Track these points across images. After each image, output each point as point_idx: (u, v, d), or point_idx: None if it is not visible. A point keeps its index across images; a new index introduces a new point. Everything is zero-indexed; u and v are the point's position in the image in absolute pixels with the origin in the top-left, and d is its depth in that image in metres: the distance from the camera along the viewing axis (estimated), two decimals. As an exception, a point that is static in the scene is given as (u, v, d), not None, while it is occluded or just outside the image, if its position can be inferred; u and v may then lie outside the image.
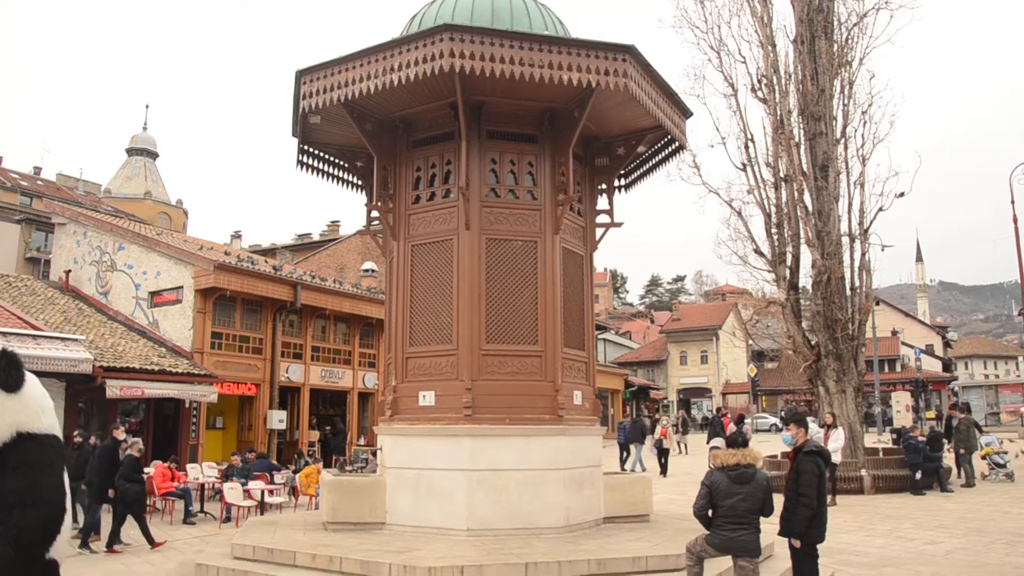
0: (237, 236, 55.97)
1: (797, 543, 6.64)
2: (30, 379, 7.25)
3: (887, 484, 17.57)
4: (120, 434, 13.18)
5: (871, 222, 19.99)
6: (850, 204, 20.08)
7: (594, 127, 9.96)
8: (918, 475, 17.28)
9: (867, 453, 19.15)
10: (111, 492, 12.05)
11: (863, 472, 17.64)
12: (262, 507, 15.31)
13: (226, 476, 16.38)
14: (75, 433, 15.79)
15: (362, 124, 9.45)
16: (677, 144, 10.57)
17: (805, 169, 19.86)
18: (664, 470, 22.41)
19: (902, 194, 19.85)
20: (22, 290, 23.32)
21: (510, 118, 9.51)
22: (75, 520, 13.88)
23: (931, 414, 53.09)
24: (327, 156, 11.09)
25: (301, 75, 9.02)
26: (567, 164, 9.36)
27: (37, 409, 7.29)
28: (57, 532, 6.96)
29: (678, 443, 32.06)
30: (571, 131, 9.21)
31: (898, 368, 61.57)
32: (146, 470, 17.35)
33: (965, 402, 27.37)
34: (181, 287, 22.63)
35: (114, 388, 17.90)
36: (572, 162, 9.40)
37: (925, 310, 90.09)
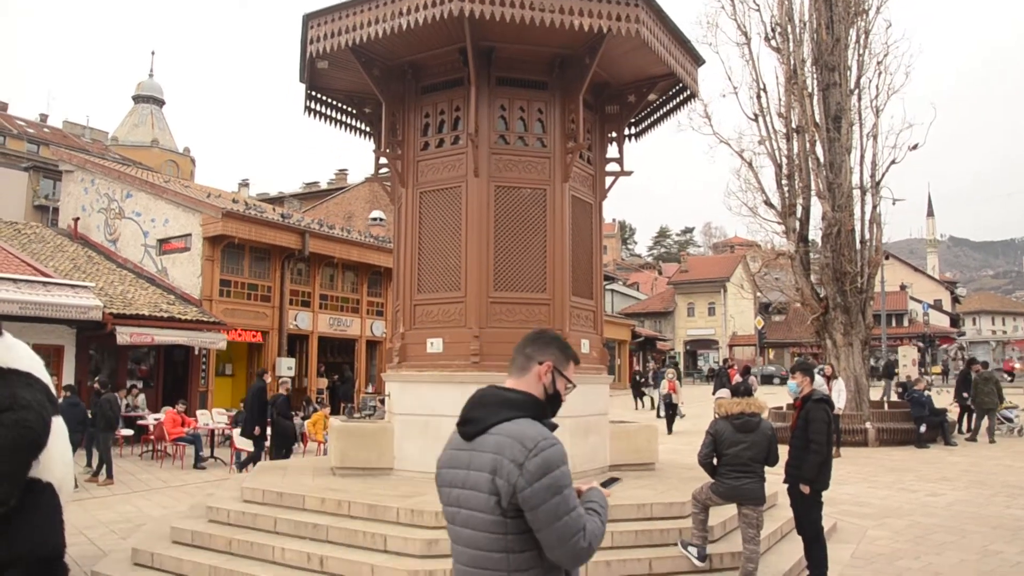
0: (245, 184, 55.90)
1: (807, 489, 6.69)
2: (17, 340, 7.38)
3: (891, 437, 17.67)
4: (267, 377, 15.05)
5: (883, 175, 19.82)
6: (862, 156, 19.88)
7: (605, 74, 9.81)
8: (923, 428, 17.36)
9: (872, 406, 19.22)
10: (256, 429, 13.67)
11: (867, 425, 17.73)
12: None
13: (235, 422, 16.55)
14: (95, 380, 15.97)
15: (370, 70, 9.33)
16: (688, 92, 10.42)
17: (818, 120, 19.62)
18: (670, 427, 21.15)
19: (916, 146, 19.58)
20: (31, 237, 23.38)
21: (520, 64, 9.36)
22: (88, 463, 14.16)
23: (937, 369, 53.23)
24: (335, 102, 10.97)
25: (308, 19, 8.88)
26: (577, 111, 9.24)
27: (20, 355, 7.42)
28: (40, 436, 7.09)
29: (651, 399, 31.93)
30: (581, 78, 9.07)
31: (906, 323, 61.60)
32: (156, 415, 17.60)
33: (985, 361, 27.30)
34: (189, 235, 22.65)
35: (124, 335, 18.03)
36: (582, 109, 9.28)
37: (935, 265, 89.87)
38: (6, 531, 6.83)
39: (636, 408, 32.11)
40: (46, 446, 6.96)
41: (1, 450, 6.67)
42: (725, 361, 30.34)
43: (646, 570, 6.68)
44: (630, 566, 6.66)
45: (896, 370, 21.40)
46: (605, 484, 2.89)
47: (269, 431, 13.66)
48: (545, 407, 2.66)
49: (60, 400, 7.83)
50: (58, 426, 7.38)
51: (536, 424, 2.52)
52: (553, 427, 2.60)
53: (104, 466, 13.35)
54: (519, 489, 2.38)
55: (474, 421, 2.59)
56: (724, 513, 7.40)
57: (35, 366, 7.42)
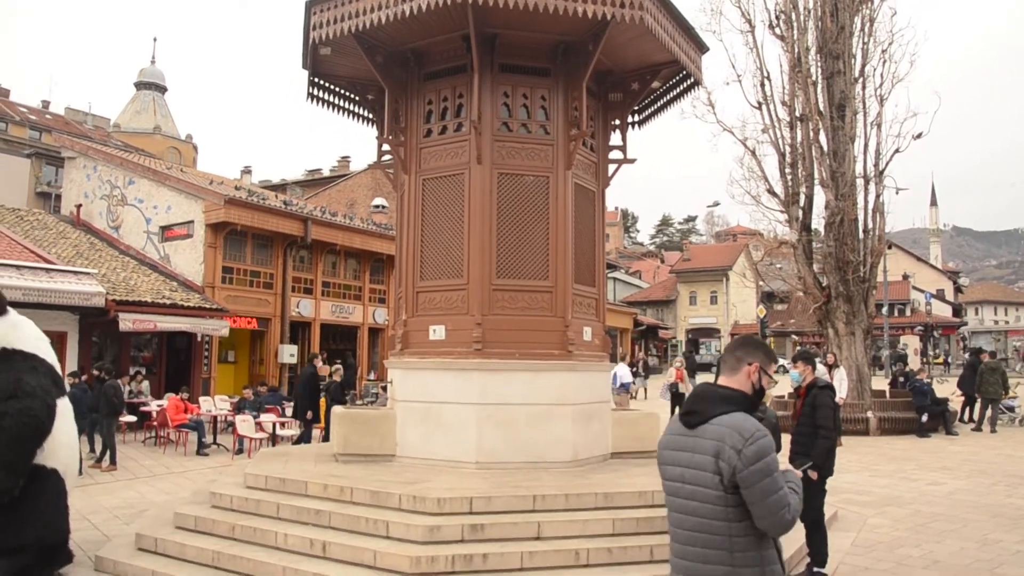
0: (247, 171, 55.82)
1: (814, 475, 6.69)
2: (22, 318, 7.38)
3: (893, 426, 17.70)
4: (319, 363, 15.61)
5: (887, 163, 19.80)
6: (866, 145, 19.85)
7: (608, 61, 9.77)
8: (924, 418, 17.38)
9: (873, 395, 19.24)
10: (309, 413, 14.26)
11: (869, 414, 17.75)
12: (273, 439, 15.56)
13: (238, 409, 16.62)
14: (93, 367, 16.01)
15: (373, 56, 9.30)
16: (692, 80, 10.38)
17: (821, 108, 19.57)
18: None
19: (919, 135, 19.52)
20: (34, 224, 23.38)
21: (523, 51, 9.33)
22: (92, 450, 14.22)
23: (939, 358, 53.24)
24: (338, 89, 10.94)
25: (311, 5, 8.84)
26: (580, 98, 9.21)
27: (26, 335, 7.44)
28: (44, 424, 7.11)
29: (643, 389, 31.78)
30: (585, 65, 9.04)
31: (908, 312, 61.52)
32: (159, 402, 17.65)
33: (993, 351, 27.34)
34: (192, 221, 22.64)
35: (127, 321, 18.06)
36: (585, 97, 9.24)
37: (938, 255, 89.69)
38: (13, 518, 6.87)
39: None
40: (51, 432, 6.99)
41: (5, 440, 6.70)
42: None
43: (648, 557, 6.69)
44: (632, 553, 6.68)
45: (907, 359, 21.33)
46: (798, 467, 3.78)
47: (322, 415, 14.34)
48: (754, 401, 3.25)
49: (68, 387, 7.85)
50: (64, 408, 7.39)
51: (750, 418, 3.09)
52: (760, 419, 3.22)
53: (107, 452, 13.41)
54: (738, 471, 2.95)
55: (697, 412, 3.17)
56: (725, 501, 7.41)
57: (41, 346, 7.43)
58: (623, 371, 16.96)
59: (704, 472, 3.05)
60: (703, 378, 24.48)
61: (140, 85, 66.44)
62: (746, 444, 2.96)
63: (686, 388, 18.12)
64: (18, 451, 6.75)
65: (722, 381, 3.29)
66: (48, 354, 7.49)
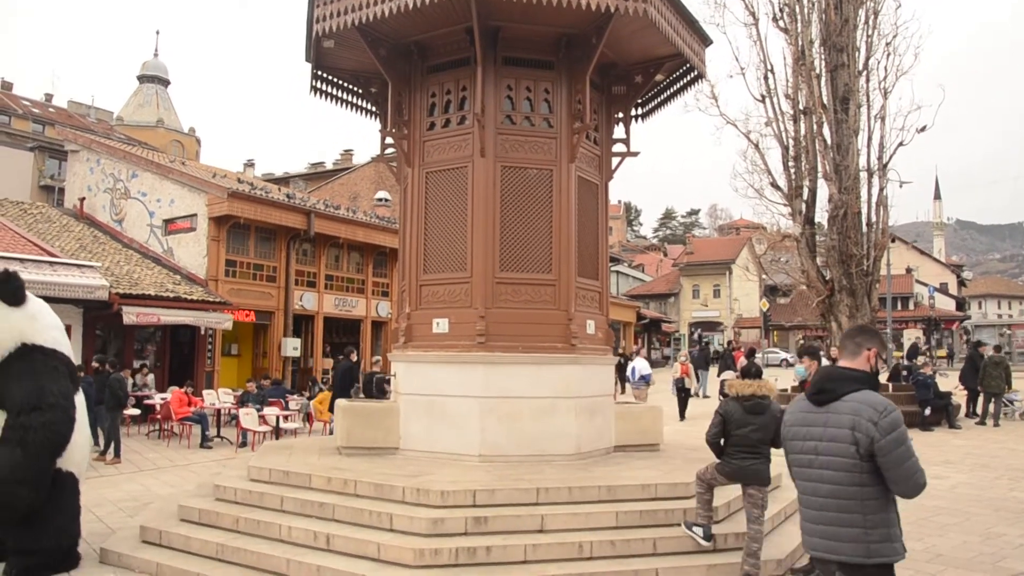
0: (250, 165, 55.86)
1: None
2: (39, 302, 7.35)
3: (895, 419, 17.65)
4: (354, 356, 15.85)
5: (890, 157, 19.78)
6: (870, 138, 19.82)
7: (611, 54, 9.75)
8: (927, 411, 17.36)
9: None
10: None
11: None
12: (277, 432, 15.59)
13: (242, 402, 16.63)
14: (94, 359, 16.03)
15: (376, 49, 9.28)
16: (696, 73, 10.36)
17: (825, 101, 19.53)
18: (682, 413, 19.39)
19: (923, 128, 19.49)
20: (37, 217, 23.40)
21: (527, 44, 9.31)
22: (96, 443, 14.24)
23: (942, 352, 53.17)
24: (341, 82, 10.93)
25: (314, -3, 8.84)
26: (584, 91, 9.19)
27: (44, 325, 7.44)
28: (65, 438, 7.13)
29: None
30: (588, 58, 9.02)
31: (911, 306, 61.46)
32: (163, 395, 17.69)
33: (998, 344, 27.27)
34: (195, 215, 22.65)
35: (130, 315, 18.08)
36: (589, 89, 9.23)
37: (941, 248, 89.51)
38: (34, 522, 6.88)
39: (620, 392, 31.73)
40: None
41: (30, 457, 6.69)
42: (729, 343, 30.37)
43: (651, 550, 6.71)
44: (635, 546, 6.69)
45: (920, 352, 21.09)
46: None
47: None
48: (874, 383, 3.71)
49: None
50: (79, 403, 7.36)
51: (877, 394, 3.58)
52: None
53: (112, 445, 13.44)
54: (875, 441, 3.40)
55: (828, 391, 3.64)
56: (728, 494, 7.42)
57: (60, 338, 7.41)
58: (642, 364, 16.85)
59: (840, 443, 3.50)
60: (715, 371, 24.43)
61: (143, 78, 66.41)
62: (881, 417, 3.43)
63: (692, 383, 17.81)
64: (42, 467, 6.77)
65: (844, 364, 3.74)
66: (64, 344, 7.49)
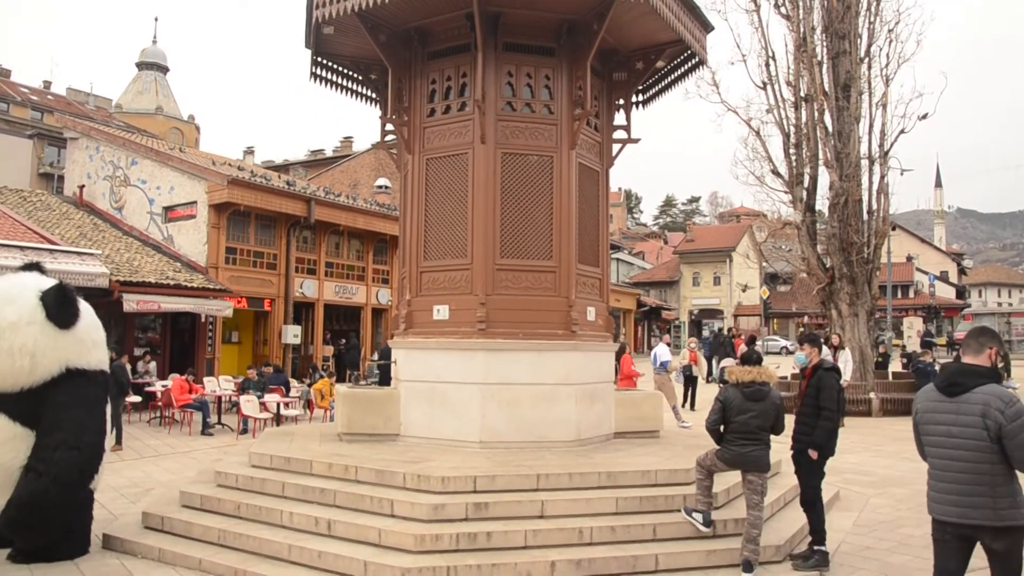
0: (250, 152, 55.74)
1: (814, 455, 6.72)
2: (85, 312, 7.18)
3: (895, 407, 17.70)
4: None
5: (892, 144, 19.72)
6: (871, 126, 19.75)
7: (612, 40, 9.72)
8: (927, 398, 17.37)
9: (876, 376, 19.24)
10: None
11: (872, 395, 17.76)
12: (278, 419, 15.61)
13: (242, 389, 16.64)
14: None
15: (376, 35, 9.25)
16: (697, 60, 10.33)
17: (827, 89, 19.46)
18: (692, 401, 18.82)
19: (925, 116, 19.43)
20: (37, 205, 23.36)
21: (527, 30, 9.27)
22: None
23: (942, 340, 53.18)
24: (341, 68, 10.89)
25: (314, -17, 8.80)
26: (584, 78, 9.17)
27: (89, 344, 7.30)
28: (96, 471, 7.11)
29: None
30: (589, 44, 8.99)
31: (911, 294, 61.45)
32: (164, 382, 17.71)
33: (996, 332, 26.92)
34: (195, 202, 22.60)
35: (131, 302, 18.07)
36: (589, 76, 9.21)
37: (942, 236, 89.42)
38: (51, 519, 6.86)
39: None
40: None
41: (62, 494, 6.61)
42: (729, 330, 30.31)
43: (651, 535, 6.74)
44: (635, 531, 6.72)
45: (934, 343, 20.71)
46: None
47: None
48: (998, 375, 4.41)
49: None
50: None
51: (1001, 387, 4.26)
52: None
53: (114, 432, 13.43)
54: (1003, 427, 4.07)
55: (959, 384, 4.29)
56: (728, 480, 7.45)
57: (102, 357, 7.18)
58: (663, 350, 16.83)
59: (972, 428, 4.16)
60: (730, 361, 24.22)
61: (142, 65, 66.13)
62: (1007, 407, 4.09)
63: (700, 371, 17.51)
64: (75, 500, 6.73)
65: (968, 361, 4.36)
66: (105, 359, 7.31)
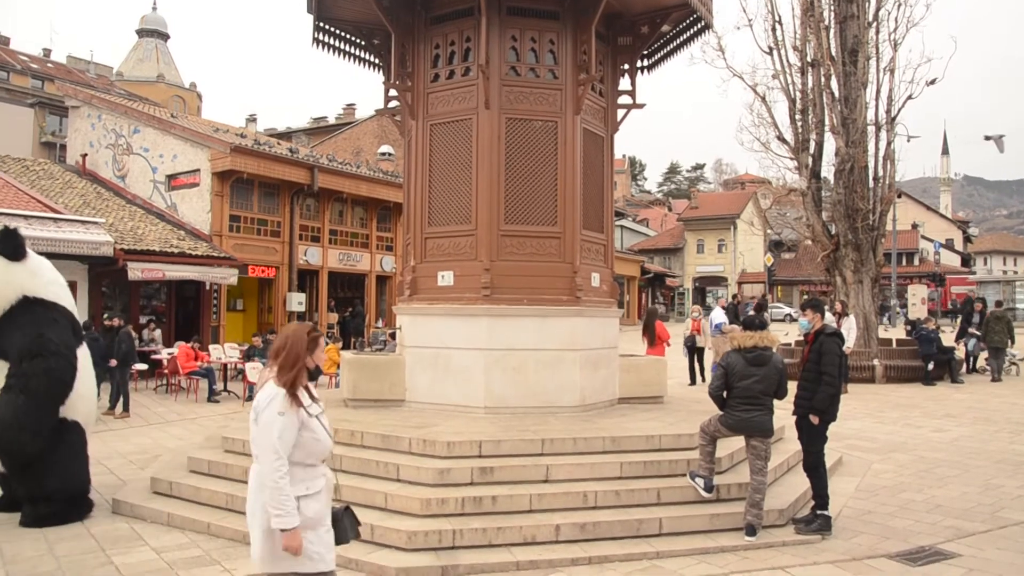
0: (252, 120, 55.40)
1: (816, 420, 6.74)
2: (40, 258, 7.55)
3: (898, 374, 17.75)
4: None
5: (899, 110, 19.55)
6: (878, 91, 19.56)
7: (617, 4, 9.62)
8: (930, 366, 17.42)
9: (880, 343, 19.26)
10: None
11: (875, 362, 17.79)
12: (284, 386, 15.66)
13: (248, 356, 16.73)
14: (104, 316, 16.10)
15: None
16: (703, 24, 10.20)
17: (834, 54, 19.25)
18: (699, 374, 17.38)
19: (933, 81, 19.22)
20: (40, 174, 23.33)
21: (531, -7, 9.18)
22: (99, 399, 14.37)
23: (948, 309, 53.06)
24: (343, 34, 10.78)
25: (315, -54, 8.70)
26: (589, 42, 9.09)
27: (45, 280, 7.61)
28: (67, 384, 7.29)
29: None
30: (594, 8, 8.90)
31: (916, 261, 61.27)
32: (170, 350, 17.80)
33: (999, 300, 26.86)
34: (198, 170, 22.55)
35: (136, 270, 18.11)
36: (594, 40, 9.13)
37: (947, 204, 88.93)
38: (38, 469, 7.04)
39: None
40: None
41: (32, 402, 6.85)
42: (734, 297, 30.35)
43: (655, 500, 6.79)
44: (639, 496, 6.77)
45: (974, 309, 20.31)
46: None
47: None
48: None
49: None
50: (82, 356, 7.52)
51: None
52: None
53: (121, 399, 13.56)
54: None
55: None
56: (731, 445, 7.49)
57: (61, 294, 7.58)
58: (718, 314, 17.54)
59: None
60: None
61: (142, 32, 65.62)
62: None
63: (705, 341, 17.42)
64: (43, 414, 6.91)
65: None
66: (66, 299, 7.63)
